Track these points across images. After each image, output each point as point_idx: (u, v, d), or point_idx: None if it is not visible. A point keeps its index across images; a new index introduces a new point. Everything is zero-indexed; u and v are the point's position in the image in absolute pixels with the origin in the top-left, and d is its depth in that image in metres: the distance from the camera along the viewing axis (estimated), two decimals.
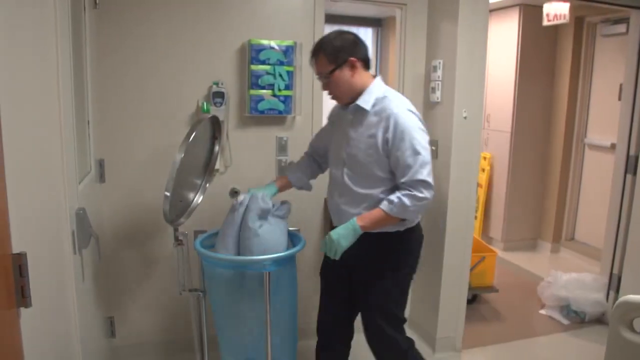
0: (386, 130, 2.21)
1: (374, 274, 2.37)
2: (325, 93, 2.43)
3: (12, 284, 1.22)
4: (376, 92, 2.30)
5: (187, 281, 2.68)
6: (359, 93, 2.30)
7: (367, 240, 2.27)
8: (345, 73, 2.27)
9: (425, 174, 2.18)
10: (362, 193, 2.31)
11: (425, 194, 2.18)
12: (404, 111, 2.24)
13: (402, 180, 2.20)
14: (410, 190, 2.18)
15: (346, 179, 2.35)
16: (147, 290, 3.16)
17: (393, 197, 2.19)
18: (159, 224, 2.99)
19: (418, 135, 2.21)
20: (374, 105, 2.27)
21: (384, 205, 2.21)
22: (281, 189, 2.62)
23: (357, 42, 2.31)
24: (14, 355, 1.25)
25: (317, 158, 2.71)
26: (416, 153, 2.18)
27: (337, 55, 2.25)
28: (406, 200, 2.17)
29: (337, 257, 2.24)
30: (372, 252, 2.34)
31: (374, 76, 2.39)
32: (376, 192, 2.29)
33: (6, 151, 1.19)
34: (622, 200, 3.75)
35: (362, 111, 2.29)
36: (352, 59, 2.25)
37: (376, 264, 2.36)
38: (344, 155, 2.35)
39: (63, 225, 1.81)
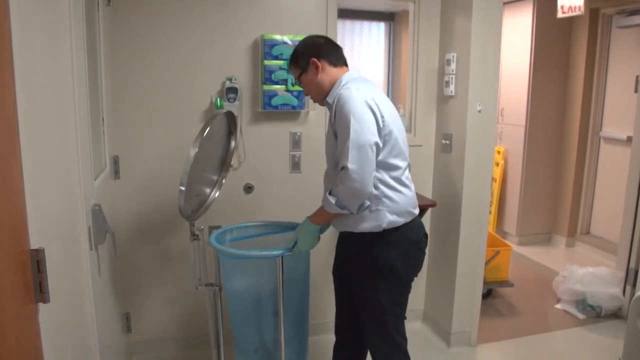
0: (333, 116, 2.17)
1: (361, 282, 2.31)
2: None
3: (31, 280, 1.23)
4: (344, 82, 2.26)
5: (203, 276, 2.69)
6: (327, 89, 2.31)
7: (351, 242, 2.31)
8: (310, 75, 2.29)
9: (350, 160, 2.02)
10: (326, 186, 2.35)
11: (348, 183, 2.04)
12: (346, 92, 2.12)
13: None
14: (337, 184, 2.12)
15: (326, 175, 2.38)
16: (162, 285, 3.18)
17: (325, 194, 2.21)
18: (173, 220, 3.01)
19: (353, 115, 2.05)
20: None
21: (322, 200, 2.22)
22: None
23: (320, 43, 2.33)
24: (34, 349, 1.26)
25: None
26: (345, 134, 2.05)
27: (299, 60, 2.31)
28: (330, 198, 2.13)
29: (304, 252, 2.38)
30: (354, 256, 2.32)
31: (346, 66, 2.38)
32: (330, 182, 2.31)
33: (23, 149, 1.20)
34: (638, 194, 3.72)
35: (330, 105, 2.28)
36: (313, 59, 2.26)
37: (359, 268, 2.29)
38: (326, 157, 2.34)
39: (79, 222, 1.82)
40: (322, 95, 2.32)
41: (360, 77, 2.32)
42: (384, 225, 2.20)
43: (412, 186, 2.32)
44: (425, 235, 2.40)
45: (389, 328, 2.34)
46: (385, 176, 2.18)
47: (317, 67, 2.27)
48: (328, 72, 2.29)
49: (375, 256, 2.22)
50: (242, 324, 2.62)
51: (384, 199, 2.19)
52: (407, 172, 2.29)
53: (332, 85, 2.28)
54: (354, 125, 2.03)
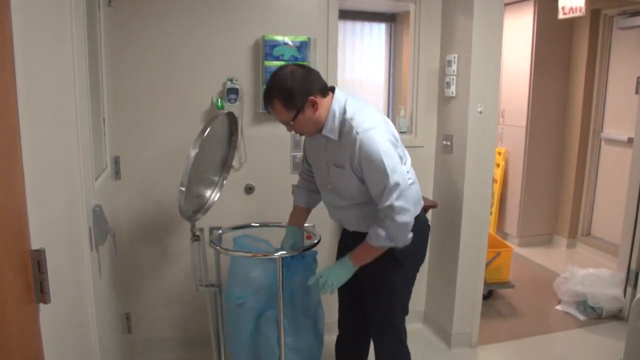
0: (352, 158, 2.11)
1: (375, 268, 2.30)
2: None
3: (32, 280, 1.24)
4: (338, 113, 2.14)
5: (204, 276, 2.69)
6: (324, 122, 2.17)
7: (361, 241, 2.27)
8: (308, 113, 2.12)
9: (394, 198, 2.07)
10: (353, 205, 2.30)
11: (398, 218, 2.08)
12: (365, 133, 2.07)
13: (379, 207, 2.14)
14: (384, 219, 2.12)
15: (338, 199, 2.34)
16: (163, 286, 3.18)
17: (372, 230, 2.16)
18: (174, 220, 3.01)
19: (384, 158, 2.06)
20: (339, 132, 2.14)
21: (368, 236, 2.18)
22: (302, 224, 2.58)
23: (309, 73, 2.14)
24: (34, 349, 1.26)
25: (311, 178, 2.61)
26: (384, 177, 2.07)
27: (295, 101, 2.09)
28: (380, 231, 2.13)
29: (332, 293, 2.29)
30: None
31: (331, 90, 2.22)
32: (347, 202, 2.31)
33: (24, 150, 1.20)
34: (639, 195, 3.71)
35: (331, 139, 2.19)
36: (311, 98, 2.10)
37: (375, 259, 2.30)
38: (329, 180, 2.31)
39: (80, 222, 1.82)
40: (317, 130, 2.19)
41: (345, 97, 2.20)
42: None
43: (415, 177, 2.34)
44: (429, 225, 2.49)
45: (396, 312, 2.41)
46: None
47: (314, 104, 2.11)
48: (322, 105, 2.14)
49: (391, 249, 2.23)
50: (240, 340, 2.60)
51: None
52: (408, 164, 2.31)
53: (326, 116, 2.15)
54: (388, 166, 2.05)
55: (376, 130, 2.09)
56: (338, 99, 2.17)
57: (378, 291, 2.37)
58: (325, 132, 2.17)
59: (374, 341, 2.51)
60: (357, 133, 2.07)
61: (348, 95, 2.21)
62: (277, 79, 2.10)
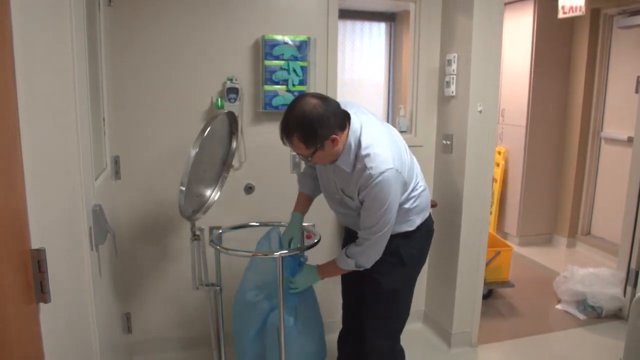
0: (360, 192, 2.14)
1: (378, 270, 2.33)
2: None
3: (32, 280, 1.24)
4: (354, 145, 2.12)
5: (204, 276, 2.69)
6: (340, 154, 2.15)
7: None
8: (327, 149, 2.09)
9: (375, 234, 2.17)
10: (356, 213, 2.32)
11: (368, 250, 2.23)
12: (379, 177, 2.07)
13: (361, 234, 2.23)
14: (358, 245, 2.24)
15: (345, 209, 2.38)
16: (163, 285, 3.18)
17: (342, 253, 2.29)
18: (174, 220, 3.01)
19: (387, 208, 2.12)
20: (353, 165, 2.14)
21: (337, 258, 2.33)
22: (306, 210, 2.61)
23: (329, 108, 2.06)
24: (34, 349, 1.26)
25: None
26: (375, 221, 2.14)
27: (315, 138, 2.04)
28: (349, 259, 2.26)
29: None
30: None
31: (348, 119, 2.16)
32: (355, 213, 2.34)
33: (24, 150, 1.20)
34: (639, 194, 3.71)
35: (343, 169, 2.18)
36: (332, 136, 2.06)
37: (380, 260, 2.31)
38: (337, 195, 2.35)
39: (80, 222, 1.82)
40: (329, 163, 2.20)
41: (360, 124, 2.15)
42: (415, 227, 2.35)
43: (424, 182, 2.39)
44: (433, 230, 2.53)
45: (394, 318, 2.49)
46: (410, 191, 2.28)
47: (334, 141, 2.08)
48: (341, 139, 2.11)
49: (397, 249, 2.32)
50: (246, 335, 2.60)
51: (413, 209, 2.31)
52: (417, 170, 2.35)
53: (342, 148, 2.13)
54: (386, 217, 2.13)
55: (389, 173, 2.07)
56: (354, 130, 2.13)
57: (379, 295, 2.39)
58: (339, 163, 2.16)
59: (367, 337, 2.49)
60: (371, 175, 2.07)
61: (362, 121, 2.17)
62: (297, 112, 2.03)
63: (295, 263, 2.45)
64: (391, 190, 2.09)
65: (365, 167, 2.08)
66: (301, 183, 2.62)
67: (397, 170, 2.10)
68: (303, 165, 2.62)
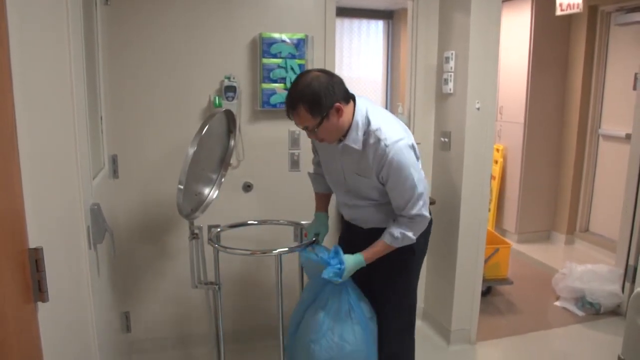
0: (380, 169, 2.16)
1: (390, 264, 2.35)
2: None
3: (30, 279, 1.23)
4: (361, 123, 2.15)
5: (202, 275, 2.69)
6: (346, 130, 2.17)
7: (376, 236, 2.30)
8: (332, 120, 2.10)
9: (420, 206, 2.20)
10: (373, 205, 2.35)
11: (422, 224, 2.26)
12: (395, 146, 2.11)
13: (401, 213, 2.23)
14: (408, 224, 2.23)
15: (355, 200, 2.38)
16: (162, 284, 3.18)
17: (396, 232, 2.23)
18: (172, 219, 3.01)
19: (412, 170, 2.15)
20: (364, 142, 2.16)
21: (388, 239, 2.25)
22: (326, 208, 2.62)
23: (333, 79, 2.11)
24: (33, 349, 1.26)
25: None
26: (411, 189, 2.16)
27: (320, 106, 2.06)
28: (409, 234, 2.23)
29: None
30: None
31: (352, 98, 2.20)
32: (364, 202, 2.36)
33: (21, 148, 1.20)
34: (637, 191, 3.72)
35: (350, 149, 2.19)
36: (336, 105, 2.08)
37: (392, 254, 2.33)
38: (344, 184, 2.36)
39: (78, 221, 1.82)
40: (338, 138, 2.19)
41: (365, 105, 2.21)
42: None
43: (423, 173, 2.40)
44: (432, 219, 2.51)
45: (409, 300, 2.51)
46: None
47: (338, 111, 2.09)
48: (346, 112, 2.13)
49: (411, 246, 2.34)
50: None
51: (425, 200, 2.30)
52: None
53: (349, 124, 2.15)
54: (416, 178, 2.16)
55: (404, 142, 2.13)
56: (360, 110, 2.17)
57: (396, 289, 2.42)
58: (348, 142, 2.17)
59: (382, 329, 2.48)
60: (386, 146, 2.10)
61: (367, 104, 2.22)
62: (302, 84, 2.08)
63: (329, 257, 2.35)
64: (408, 158, 2.13)
65: (378, 140, 2.12)
66: (314, 183, 2.64)
67: (408, 140, 2.17)
68: (301, 164, 2.62)
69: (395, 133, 2.14)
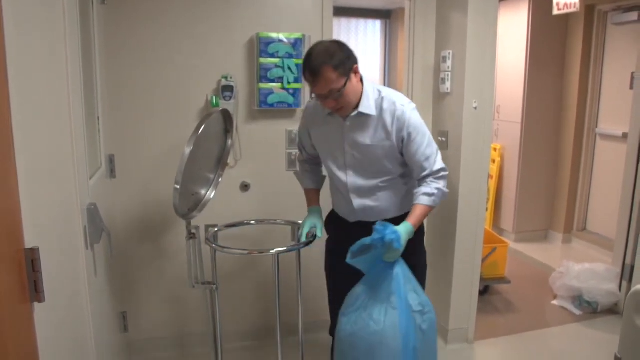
0: (400, 129, 2.26)
1: (414, 249, 2.38)
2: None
3: (26, 279, 1.23)
4: (371, 93, 2.28)
5: (200, 274, 2.69)
6: (360, 99, 2.26)
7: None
8: (353, 82, 2.19)
9: (441, 160, 2.34)
10: (388, 183, 2.39)
11: (446, 178, 2.35)
12: (410, 108, 2.28)
13: (425, 172, 2.30)
14: (438, 179, 2.31)
15: (351, 179, 2.38)
16: (159, 284, 3.17)
17: (429, 190, 2.28)
18: (170, 219, 3.01)
19: (426, 128, 2.32)
20: (379, 109, 2.28)
21: (425, 200, 2.28)
22: (318, 202, 2.65)
23: (344, 45, 2.21)
24: (29, 349, 1.26)
25: (316, 163, 2.67)
26: (430, 145, 2.30)
27: (345, 64, 2.13)
28: (443, 188, 2.32)
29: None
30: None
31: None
32: (377, 182, 2.38)
33: (18, 148, 1.20)
34: (634, 190, 3.73)
35: (365, 116, 2.27)
36: (355, 65, 2.19)
37: (415, 239, 2.32)
38: (347, 161, 2.36)
39: (75, 221, 1.82)
40: (353, 106, 2.25)
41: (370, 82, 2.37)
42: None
43: None
44: None
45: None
46: None
47: (356, 73, 2.20)
48: (357, 77, 2.23)
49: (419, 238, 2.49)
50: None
51: None
52: None
53: (360, 93, 2.25)
54: (431, 136, 2.32)
55: (412, 105, 2.31)
56: (368, 81, 2.33)
57: (418, 271, 2.43)
58: (362, 109, 2.25)
59: None
60: (402, 105, 2.26)
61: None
62: (319, 50, 2.13)
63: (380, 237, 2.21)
64: (420, 118, 2.31)
65: (394, 103, 2.26)
66: (302, 180, 2.66)
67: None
68: (302, 155, 2.62)
69: (403, 98, 2.32)
